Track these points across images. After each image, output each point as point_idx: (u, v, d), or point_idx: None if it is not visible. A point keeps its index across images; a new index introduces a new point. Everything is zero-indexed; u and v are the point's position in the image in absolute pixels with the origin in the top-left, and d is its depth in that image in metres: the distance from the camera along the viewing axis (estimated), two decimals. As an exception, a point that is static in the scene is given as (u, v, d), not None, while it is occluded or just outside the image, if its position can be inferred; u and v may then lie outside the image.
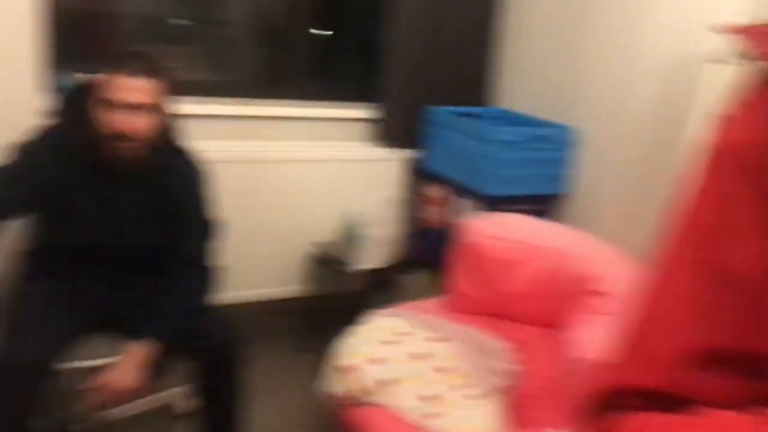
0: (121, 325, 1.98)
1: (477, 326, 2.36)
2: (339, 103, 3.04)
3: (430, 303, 2.57)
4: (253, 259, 2.83)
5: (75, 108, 1.89)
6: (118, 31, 2.84)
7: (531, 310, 2.39)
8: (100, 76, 1.82)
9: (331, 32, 3.20)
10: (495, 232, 2.41)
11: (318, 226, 2.90)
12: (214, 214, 2.06)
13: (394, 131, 2.95)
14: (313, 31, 2.97)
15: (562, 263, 2.29)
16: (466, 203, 2.78)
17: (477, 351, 2.22)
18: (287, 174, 2.79)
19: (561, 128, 2.76)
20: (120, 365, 1.81)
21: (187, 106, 2.23)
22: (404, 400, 1.91)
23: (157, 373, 2.46)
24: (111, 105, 1.79)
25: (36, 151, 1.84)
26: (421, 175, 3.05)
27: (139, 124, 1.82)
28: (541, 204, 2.76)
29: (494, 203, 2.64)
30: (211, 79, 3.00)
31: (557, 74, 2.86)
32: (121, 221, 1.96)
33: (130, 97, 1.79)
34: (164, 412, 2.47)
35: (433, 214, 2.98)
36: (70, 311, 1.90)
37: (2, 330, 1.85)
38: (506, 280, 2.39)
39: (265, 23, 3.19)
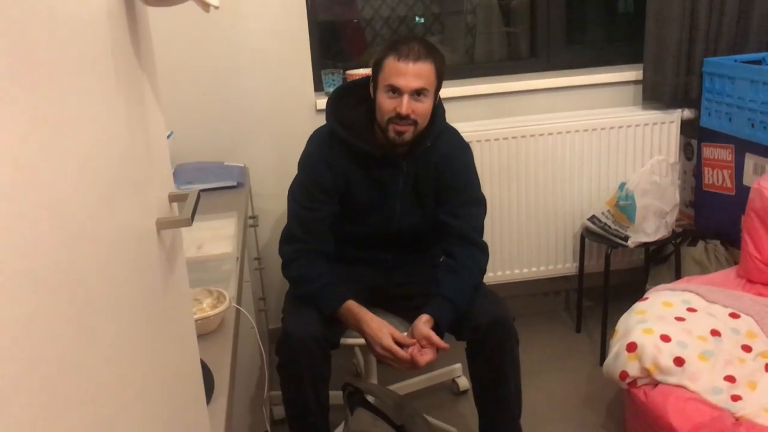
0: (391, 306, 2.05)
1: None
2: (599, 69, 2.86)
3: (720, 275, 2.35)
4: (525, 237, 2.78)
5: (343, 105, 1.99)
6: (369, 33, 2.98)
7: None
8: (383, 62, 1.86)
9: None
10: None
11: (591, 199, 2.75)
12: (482, 192, 2.05)
13: (664, 90, 2.70)
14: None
15: None
16: (759, 161, 2.47)
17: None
18: (554, 147, 2.68)
19: None
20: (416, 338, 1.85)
21: (445, 89, 2.21)
22: (707, 381, 1.74)
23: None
24: (395, 90, 1.85)
25: (323, 160, 1.95)
26: (700, 135, 2.76)
27: (421, 108, 1.87)
28: None
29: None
30: (463, 63, 2.99)
31: None
32: (395, 205, 2.02)
33: (414, 83, 1.83)
34: (445, 387, 2.54)
35: (717, 176, 2.69)
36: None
37: (287, 309, 2.00)
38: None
39: (509, 2, 3.12)
